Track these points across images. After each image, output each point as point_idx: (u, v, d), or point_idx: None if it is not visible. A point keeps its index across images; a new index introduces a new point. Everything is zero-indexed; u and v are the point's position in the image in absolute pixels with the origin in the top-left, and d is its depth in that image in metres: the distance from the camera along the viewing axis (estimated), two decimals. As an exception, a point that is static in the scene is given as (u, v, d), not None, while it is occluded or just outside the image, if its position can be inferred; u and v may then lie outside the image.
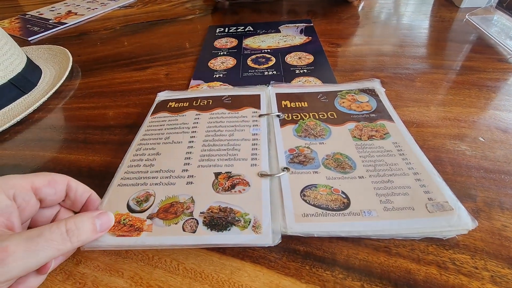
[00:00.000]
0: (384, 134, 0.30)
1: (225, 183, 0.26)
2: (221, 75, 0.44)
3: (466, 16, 0.56)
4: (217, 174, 0.27)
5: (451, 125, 0.32)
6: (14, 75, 0.42)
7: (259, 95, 0.37)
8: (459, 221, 0.22)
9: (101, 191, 0.28)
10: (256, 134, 0.31)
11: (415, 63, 0.44)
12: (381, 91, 0.36)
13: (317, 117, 0.33)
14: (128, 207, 0.25)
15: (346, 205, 0.24)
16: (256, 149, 0.30)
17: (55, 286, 0.22)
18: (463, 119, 0.33)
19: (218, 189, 0.26)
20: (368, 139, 0.30)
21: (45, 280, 0.22)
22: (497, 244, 0.22)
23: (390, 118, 0.32)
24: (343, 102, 0.35)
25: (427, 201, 0.23)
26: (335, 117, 0.33)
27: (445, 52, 0.47)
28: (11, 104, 0.41)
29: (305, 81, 0.41)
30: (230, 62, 0.48)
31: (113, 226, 0.23)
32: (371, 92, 0.36)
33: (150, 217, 0.24)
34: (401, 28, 0.56)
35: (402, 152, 0.28)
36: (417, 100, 0.36)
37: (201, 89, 0.41)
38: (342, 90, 0.37)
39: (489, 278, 0.20)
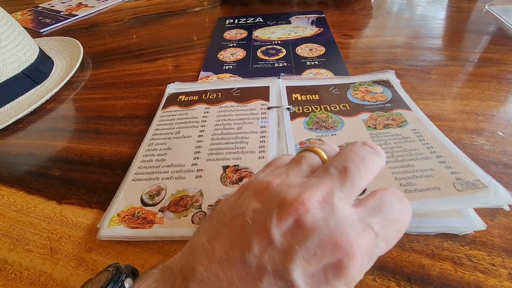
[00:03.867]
0: (401, 122, 0.29)
1: (233, 176, 0.26)
2: (231, 66, 0.44)
3: (486, 6, 0.54)
4: (225, 168, 0.27)
5: (468, 118, 0.31)
6: (27, 65, 0.42)
7: (268, 87, 0.37)
8: (496, 196, 0.20)
9: (112, 180, 0.28)
10: (264, 127, 0.31)
11: (431, 55, 0.42)
12: (396, 82, 0.35)
13: (329, 109, 0.32)
14: (142, 200, 0.25)
15: (362, 192, 0.23)
16: (264, 141, 0.29)
17: (68, 272, 0.22)
18: (481, 112, 0.32)
19: (226, 182, 0.26)
20: (384, 128, 0.29)
21: (58, 266, 0.22)
22: (516, 241, 0.21)
23: (407, 107, 0.31)
24: (356, 94, 0.34)
25: (455, 181, 0.22)
26: (348, 108, 0.32)
27: (462, 43, 0.45)
28: (24, 95, 0.41)
29: (316, 73, 0.40)
30: (240, 53, 0.47)
31: (128, 218, 0.24)
32: (385, 84, 0.35)
33: (162, 210, 0.24)
34: (416, 19, 0.54)
35: (422, 138, 0.27)
36: (432, 93, 0.35)
37: (210, 81, 0.41)
38: (355, 82, 0.36)
39: (506, 276, 0.19)
